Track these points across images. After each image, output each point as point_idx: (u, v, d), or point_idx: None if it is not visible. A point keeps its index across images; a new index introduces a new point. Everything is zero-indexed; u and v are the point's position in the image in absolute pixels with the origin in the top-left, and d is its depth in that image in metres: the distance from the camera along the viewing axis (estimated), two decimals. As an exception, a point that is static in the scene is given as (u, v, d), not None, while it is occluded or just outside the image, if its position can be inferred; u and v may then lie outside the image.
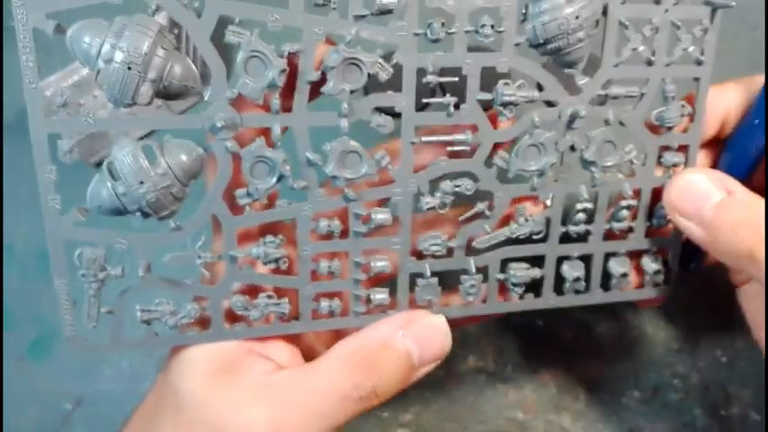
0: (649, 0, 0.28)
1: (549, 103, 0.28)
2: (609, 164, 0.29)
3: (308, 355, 0.29)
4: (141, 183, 0.24)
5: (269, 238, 0.27)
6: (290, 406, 0.25)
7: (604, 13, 0.27)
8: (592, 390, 0.41)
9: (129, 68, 0.23)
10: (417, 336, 0.27)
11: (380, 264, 0.28)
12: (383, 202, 0.28)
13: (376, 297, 0.29)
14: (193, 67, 0.25)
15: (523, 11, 0.27)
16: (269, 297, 0.28)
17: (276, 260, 0.27)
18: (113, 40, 0.23)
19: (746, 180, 0.28)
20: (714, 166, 0.31)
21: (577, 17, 0.26)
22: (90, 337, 0.27)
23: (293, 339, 0.29)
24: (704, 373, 0.37)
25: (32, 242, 0.36)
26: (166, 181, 0.25)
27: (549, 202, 0.29)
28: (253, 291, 0.28)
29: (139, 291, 0.26)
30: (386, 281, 0.29)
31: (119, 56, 0.23)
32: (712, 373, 0.38)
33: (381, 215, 0.27)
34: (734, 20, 0.36)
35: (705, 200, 0.27)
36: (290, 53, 0.25)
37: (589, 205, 0.29)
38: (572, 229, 0.30)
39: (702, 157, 0.31)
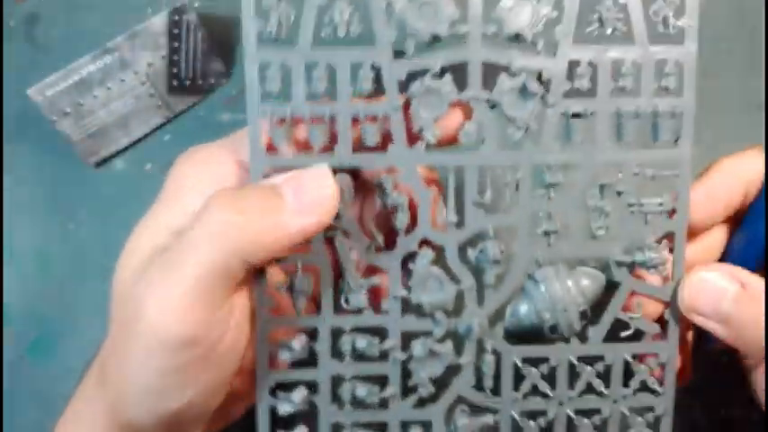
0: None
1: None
2: None
3: None
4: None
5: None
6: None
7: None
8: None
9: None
10: (293, 177, 0.26)
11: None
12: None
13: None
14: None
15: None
16: None
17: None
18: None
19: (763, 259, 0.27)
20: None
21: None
22: None
23: None
24: (704, 372, 0.34)
25: (32, 242, 0.36)
26: None
27: None
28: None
29: None
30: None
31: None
32: (712, 373, 0.36)
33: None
34: (734, 20, 0.37)
35: (721, 298, 0.27)
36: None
37: None
38: None
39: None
